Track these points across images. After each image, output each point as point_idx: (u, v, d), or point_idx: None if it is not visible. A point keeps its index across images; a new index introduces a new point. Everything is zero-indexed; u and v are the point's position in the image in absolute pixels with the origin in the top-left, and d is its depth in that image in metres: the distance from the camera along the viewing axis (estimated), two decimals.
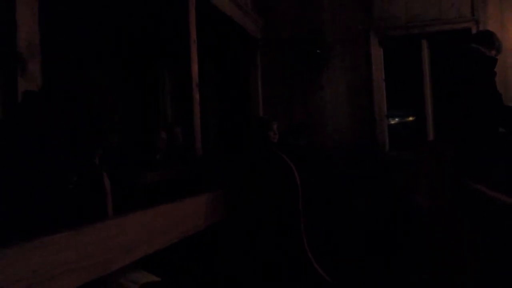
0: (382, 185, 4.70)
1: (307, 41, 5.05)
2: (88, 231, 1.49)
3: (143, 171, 2.68)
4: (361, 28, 5.01)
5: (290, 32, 5.15)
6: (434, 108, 4.85)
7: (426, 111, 4.92)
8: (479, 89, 3.06)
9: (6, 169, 1.26)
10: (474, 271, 2.45)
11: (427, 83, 4.92)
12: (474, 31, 4.57)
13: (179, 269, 2.23)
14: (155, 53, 5.01)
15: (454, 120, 3.26)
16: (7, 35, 1.72)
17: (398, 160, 4.75)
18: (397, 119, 5.75)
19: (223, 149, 4.94)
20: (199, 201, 2.28)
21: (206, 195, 2.34)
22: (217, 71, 5.44)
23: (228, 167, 2.70)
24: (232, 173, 2.59)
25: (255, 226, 2.39)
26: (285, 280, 2.33)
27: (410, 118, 5.80)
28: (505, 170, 2.61)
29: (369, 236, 3.81)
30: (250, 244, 2.37)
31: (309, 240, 2.40)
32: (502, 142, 3.03)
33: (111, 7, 3.90)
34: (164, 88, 5.25)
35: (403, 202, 4.38)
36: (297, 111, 5.10)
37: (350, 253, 3.40)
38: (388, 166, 4.78)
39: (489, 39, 3.34)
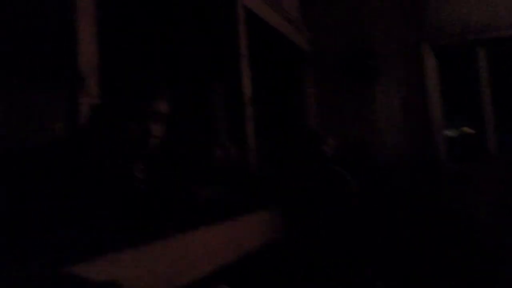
0: (440, 200, 4.50)
1: (357, 53, 4.94)
2: (154, 248, 1.48)
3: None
4: (413, 38, 4.86)
5: (340, 44, 5.06)
6: (495, 120, 4.62)
7: (486, 123, 4.68)
8: None
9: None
10: None
11: (485, 93, 4.69)
12: None
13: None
14: (207, 68, 5.04)
15: None
16: (68, 52, 1.73)
17: (457, 174, 4.55)
18: (454, 131, 5.50)
19: (275, 164, 4.87)
20: (257, 219, 2.22)
21: (263, 213, 2.28)
22: (265, 85, 5.41)
23: (284, 183, 2.63)
24: (289, 189, 2.52)
25: (316, 242, 2.30)
26: None
27: (468, 130, 5.54)
28: None
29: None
30: (312, 262, 2.28)
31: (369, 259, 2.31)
32: None
33: (159, 21, 3.94)
34: (216, 103, 5.24)
35: (464, 217, 4.19)
36: (348, 124, 4.97)
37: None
38: (447, 180, 4.58)
39: None
